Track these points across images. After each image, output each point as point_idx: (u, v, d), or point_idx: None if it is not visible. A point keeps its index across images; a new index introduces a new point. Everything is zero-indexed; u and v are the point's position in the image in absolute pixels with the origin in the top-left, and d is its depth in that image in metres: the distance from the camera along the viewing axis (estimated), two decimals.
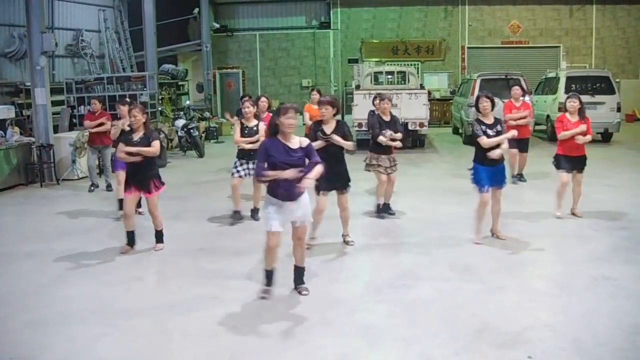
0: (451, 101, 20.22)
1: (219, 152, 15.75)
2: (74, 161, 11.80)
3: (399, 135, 7.87)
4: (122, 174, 7.71)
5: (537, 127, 16.45)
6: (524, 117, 10.31)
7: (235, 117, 9.27)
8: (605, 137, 16.01)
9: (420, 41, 23.84)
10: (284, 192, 5.05)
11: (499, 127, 6.75)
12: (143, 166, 6.57)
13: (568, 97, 7.97)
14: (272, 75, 24.56)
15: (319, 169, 5.11)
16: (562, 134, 7.79)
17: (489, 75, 15.98)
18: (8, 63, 16.91)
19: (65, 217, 8.77)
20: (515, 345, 4.36)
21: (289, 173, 4.96)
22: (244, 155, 7.95)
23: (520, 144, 10.26)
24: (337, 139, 6.43)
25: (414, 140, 15.35)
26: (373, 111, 8.29)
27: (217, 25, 23.93)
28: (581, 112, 7.78)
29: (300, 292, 5.39)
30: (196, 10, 22.58)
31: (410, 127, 14.48)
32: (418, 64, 23.47)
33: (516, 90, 10.67)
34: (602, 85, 15.74)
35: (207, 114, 19.62)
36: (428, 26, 23.85)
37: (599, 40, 23.55)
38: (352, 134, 9.11)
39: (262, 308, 5.14)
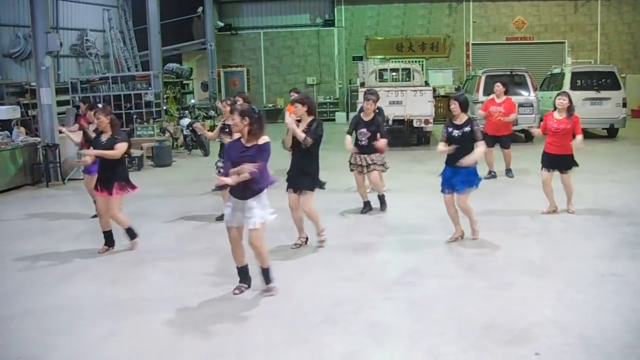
0: None
1: None
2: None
3: (382, 141, 7.74)
4: (88, 178, 8.09)
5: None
6: (499, 114, 10.41)
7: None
8: (611, 132, 15.96)
9: (424, 38, 23.77)
10: (235, 189, 5.19)
11: (466, 129, 6.64)
12: (107, 167, 6.73)
13: (558, 95, 7.97)
14: (277, 74, 24.53)
15: (244, 172, 5.00)
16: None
17: (494, 72, 15.91)
18: (13, 63, 17.00)
19: (71, 216, 8.80)
20: (523, 342, 4.35)
21: (234, 178, 5.05)
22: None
23: (501, 140, 10.57)
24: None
25: (419, 137, 15.32)
26: (380, 108, 8.26)
27: (222, 24, 23.95)
28: (569, 110, 7.72)
29: (264, 292, 5.38)
30: (200, 9, 22.63)
31: (415, 124, 14.47)
32: (423, 61, 23.42)
33: (498, 86, 10.74)
34: (607, 81, 15.67)
35: (212, 113, 19.63)
36: (432, 23, 23.77)
37: (604, 36, 23.41)
38: None
39: (268, 306, 5.14)
